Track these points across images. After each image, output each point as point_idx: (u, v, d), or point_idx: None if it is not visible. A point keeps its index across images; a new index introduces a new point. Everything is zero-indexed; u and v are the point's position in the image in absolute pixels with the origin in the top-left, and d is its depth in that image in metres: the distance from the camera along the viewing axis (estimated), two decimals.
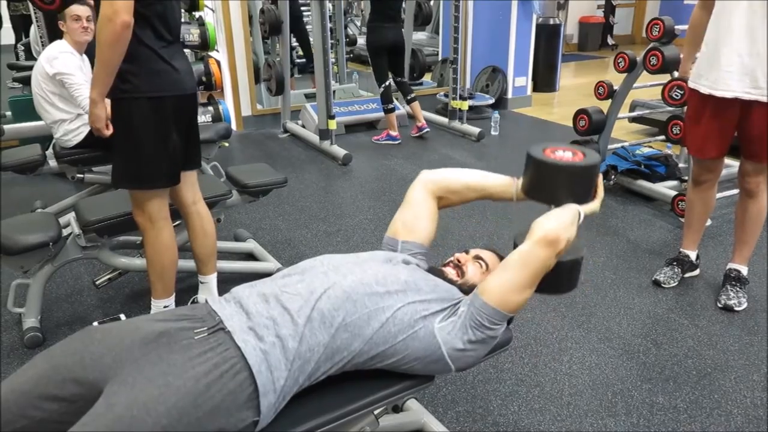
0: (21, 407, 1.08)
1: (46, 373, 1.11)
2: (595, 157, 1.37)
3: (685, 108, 2.56)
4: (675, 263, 2.62)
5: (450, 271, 1.45)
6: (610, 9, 10.13)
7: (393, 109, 4.87)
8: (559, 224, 1.26)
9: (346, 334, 1.19)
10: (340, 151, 4.39)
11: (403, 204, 1.52)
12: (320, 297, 1.19)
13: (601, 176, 1.41)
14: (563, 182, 1.35)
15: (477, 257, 1.48)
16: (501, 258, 1.43)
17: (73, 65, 2.93)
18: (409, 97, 5.01)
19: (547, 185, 1.37)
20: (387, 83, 4.79)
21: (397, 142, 4.88)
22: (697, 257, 2.64)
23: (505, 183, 1.45)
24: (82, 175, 3.17)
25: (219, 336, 1.13)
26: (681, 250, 2.63)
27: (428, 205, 1.49)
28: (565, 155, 1.35)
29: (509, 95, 6.02)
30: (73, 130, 3.04)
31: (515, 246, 1.36)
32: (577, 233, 1.29)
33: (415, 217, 1.48)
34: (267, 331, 1.14)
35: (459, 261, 1.47)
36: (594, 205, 1.37)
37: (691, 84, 2.32)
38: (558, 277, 1.33)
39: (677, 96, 3.02)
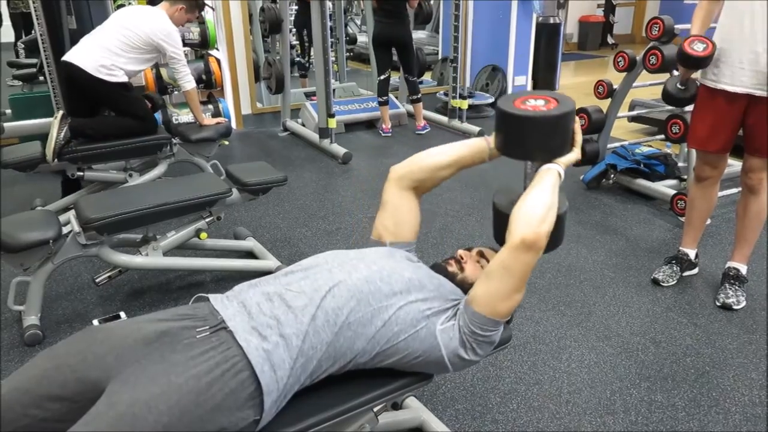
0: (24, 406, 1.08)
1: (48, 372, 1.10)
2: (569, 104, 1.24)
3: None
4: (674, 262, 2.63)
5: (451, 267, 1.45)
6: (610, 8, 10.13)
7: (383, 103, 5.01)
8: (536, 219, 1.18)
9: (349, 332, 1.18)
10: (339, 150, 4.39)
11: (381, 206, 1.49)
12: (325, 296, 1.19)
13: (578, 122, 1.29)
14: (537, 136, 1.23)
15: (480, 254, 1.48)
16: None
17: None
18: (412, 97, 5.12)
19: (521, 140, 1.25)
20: (382, 77, 4.91)
21: (384, 135, 5.01)
22: (696, 256, 2.65)
23: (476, 146, 1.41)
24: (82, 173, 3.19)
25: (221, 335, 1.13)
26: (680, 248, 2.64)
27: (405, 202, 1.47)
28: (537, 104, 1.23)
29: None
30: None
31: (494, 208, 1.31)
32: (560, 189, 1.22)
33: (395, 218, 1.47)
34: (270, 330, 1.14)
35: (461, 257, 1.47)
36: (573, 156, 1.29)
37: (701, 79, 2.34)
38: None
39: None
